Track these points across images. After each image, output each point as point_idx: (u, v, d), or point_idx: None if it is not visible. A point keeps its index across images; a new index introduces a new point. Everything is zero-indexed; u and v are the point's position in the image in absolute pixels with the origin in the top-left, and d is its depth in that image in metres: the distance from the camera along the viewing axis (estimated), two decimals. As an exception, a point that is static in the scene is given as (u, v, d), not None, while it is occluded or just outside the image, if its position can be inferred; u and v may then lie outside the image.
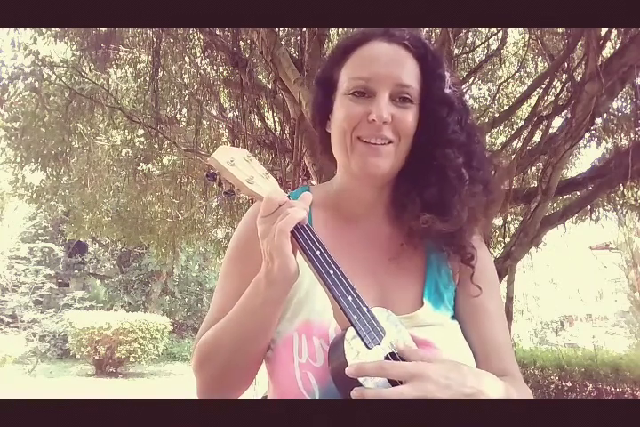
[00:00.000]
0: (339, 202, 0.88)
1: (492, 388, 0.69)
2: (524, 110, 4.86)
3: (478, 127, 0.92)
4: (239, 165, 0.76)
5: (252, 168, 0.77)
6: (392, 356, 0.69)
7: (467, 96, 5.33)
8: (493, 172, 0.93)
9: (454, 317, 0.84)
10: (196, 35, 4.39)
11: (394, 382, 0.66)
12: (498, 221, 4.15)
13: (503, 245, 4.03)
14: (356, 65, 0.81)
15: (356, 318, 0.68)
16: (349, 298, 0.69)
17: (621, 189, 3.99)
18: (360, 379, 0.65)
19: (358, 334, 0.68)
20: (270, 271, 0.71)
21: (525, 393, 0.79)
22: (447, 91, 0.82)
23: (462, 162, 0.81)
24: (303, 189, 0.94)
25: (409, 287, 0.84)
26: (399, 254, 0.84)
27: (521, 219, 4.14)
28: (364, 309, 0.70)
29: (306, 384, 0.74)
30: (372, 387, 0.65)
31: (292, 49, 3.88)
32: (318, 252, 0.71)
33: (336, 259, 0.72)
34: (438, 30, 3.23)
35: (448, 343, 0.78)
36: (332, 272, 0.70)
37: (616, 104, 4.18)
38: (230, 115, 4.65)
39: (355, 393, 0.64)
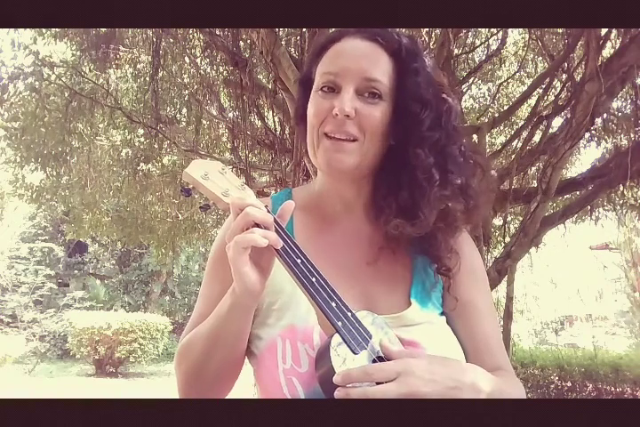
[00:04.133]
0: (319, 202, 0.88)
1: (481, 381, 0.69)
2: (524, 110, 4.87)
3: (463, 129, 0.88)
4: (214, 178, 0.74)
5: (228, 181, 0.75)
6: (379, 359, 0.69)
7: (467, 96, 5.34)
8: (480, 175, 0.87)
9: (443, 313, 0.84)
10: (195, 35, 4.39)
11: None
12: (498, 221, 4.16)
13: (503, 245, 4.04)
14: (326, 61, 0.80)
15: (340, 324, 0.68)
16: (333, 304, 0.68)
17: (621, 189, 3.99)
18: (348, 386, 0.64)
19: (344, 340, 0.67)
20: (234, 281, 0.70)
21: (517, 388, 0.79)
22: (423, 87, 0.78)
23: (433, 162, 0.77)
24: (286, 192, 0.93)
25: (395, 288, 0.82)
26: (380, 256, 0.83)
27: (521, 219, 4.14)
28: (349, 314, 0.69)
29: (291, 390, 0.74)
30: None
31: (292, 49, 3.88)
32: (299, 260, 0.69)
33: (317, 265, 0.70)
34: (438, 30, 3.24)
35: (436, 342, 0.78)
36: (313, 280, 0.69)
37: (616, 104, 4.18)
38: (230, 115, 4.65)
39: (338, 393, 0.63)
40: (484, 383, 0.69)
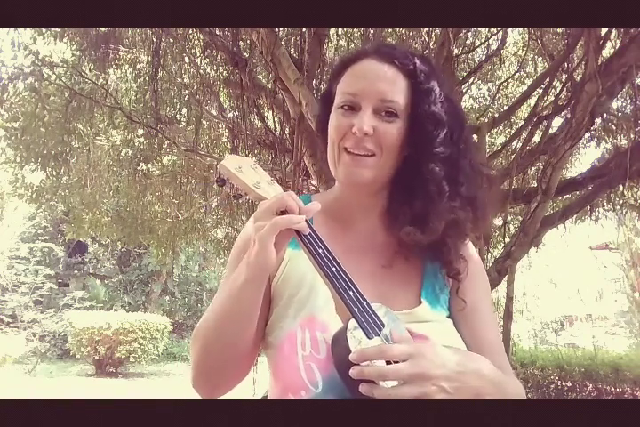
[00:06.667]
0: (338, 208, 0.92)
1: (485, 369, 0.73)
2: (524, 110, 4.87)
3: (474, 144, 0.93)
4: (246, 171, 0.82)
5: (258, 175, 0.83)
6: None
7: (467, 96, 5.34)
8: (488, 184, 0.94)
9: (449, 317, 0.88)
10: (195, 35, 4.39)
11: None
12: (498, 221, 4.16)
13: (503, 245, 4.03)
14: (346, 81, 0.86)
15: (356, 310, 0.73)
16: (350, 293, 0.74)
17: (621, 189, 3.99)
18: (363, 364, 0.68)
19: (359, 325, 0.72)
20: (250, 254, 0.74)
21: (518, 385, 0.83)
22: (436, 106, 0.83)
23: (445, 175, 0.83)
24: (305, 197, 0.96)
25: (407, 288, 0.87)
26: (394, 260, 0.88)
27: (521, 219, 4.14)
28: (364, 302, 0.74)
29: (309, 375, 0.77)
30: None
31: (292, 49, 3.88)
32: (321, 250, 0.75)
33: (337, 258, 0.76)
34: (438, 30, 3.24)
35: (444, 338, 0.81)
36: (334, 269, 0.75)
37: (616, 104, 4.18)
38: (230, 115, 4.65)
39: (353, 371, 0.67)
40: (487, 371, 0.73)
